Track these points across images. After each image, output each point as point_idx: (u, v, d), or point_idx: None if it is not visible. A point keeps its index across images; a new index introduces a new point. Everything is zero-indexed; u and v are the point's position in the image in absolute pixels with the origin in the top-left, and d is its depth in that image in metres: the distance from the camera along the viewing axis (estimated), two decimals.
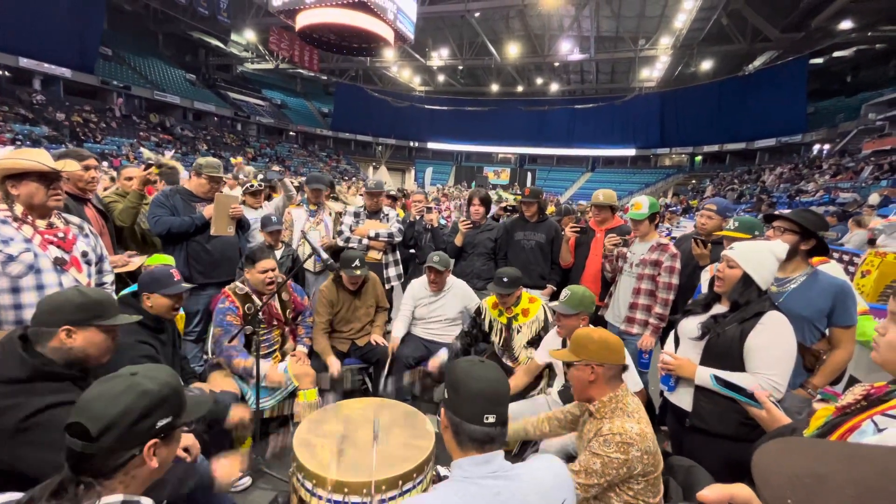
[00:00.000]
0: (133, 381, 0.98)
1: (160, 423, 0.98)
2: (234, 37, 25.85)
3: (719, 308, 1.81)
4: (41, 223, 1.84)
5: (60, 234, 1.89)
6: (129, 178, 3.05)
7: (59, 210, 1.93)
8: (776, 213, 2.15)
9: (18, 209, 1.79)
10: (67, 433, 0.91)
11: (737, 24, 19.45)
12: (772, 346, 1.62)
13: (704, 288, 2.42)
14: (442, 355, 2.75)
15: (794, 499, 0.43)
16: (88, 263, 1.98)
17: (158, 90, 23.92)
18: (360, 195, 5.84)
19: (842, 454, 0.47)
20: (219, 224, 2.95)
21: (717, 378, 1.54)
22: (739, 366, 1.67)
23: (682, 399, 1.84)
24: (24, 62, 17.79)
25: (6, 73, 18.48)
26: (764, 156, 24.83)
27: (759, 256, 1.71)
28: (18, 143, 14.86)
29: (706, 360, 1.75)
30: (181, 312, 2.63)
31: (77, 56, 19.22)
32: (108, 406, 0.92)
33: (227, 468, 1.58)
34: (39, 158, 1.76)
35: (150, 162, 3.22)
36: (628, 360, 2.14)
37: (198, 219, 2.90)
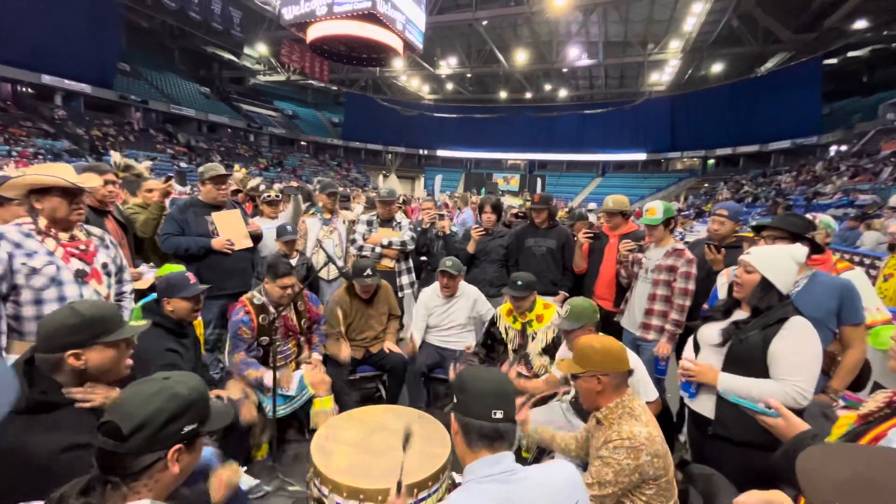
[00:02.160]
0: (165, 384, 1.02)
1: (186, 429, 1.01)
2: (246, 50, 26.42)
3: (740, 314, 1.78)
4: (63, 236, 1.88)
5: (82, 247, 1.93)
6: (150, 191, 3.13)
7: (80, 223, 1.98)
8: (762, 223, 2.16)
9: (42, 222, 1.83)
10: (100, 432, 0.94)
11: (748, 26, 19.28)
12: (796, 352, 1.59)
13: (721, 293, 2.38)
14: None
15: (842, 502, 0.44)
16: (108, 275, 2.02)
17: (174, 104, 24.51)
18: (359, 203, 5.77)
19: (889, 460, 0.48)
20: (236, 241, 3.03)
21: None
22: (763, 372, 1.64)
23: (704, 406, 1.80)
24: (47, 79, 18.39)
25: (29, 89, 19.12)
26: (779, 158, 24.44)
27: (778, 261, 1.69)
28: (40, 156, 15.34)
29: (728, 367, 1.72)
30: (199, 319, 2.67)
31: (97, 72, 19.84)
32: (140, 406, 0.96)
33: (226, 479, 1.45)
34: (63, 174, 1.81)
35: (118, 165, 3.24)
36: (642, 368, 2.12)
37: (205, 245, 2.93)
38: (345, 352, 2.88)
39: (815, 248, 2.03)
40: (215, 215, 3.03)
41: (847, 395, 2.01)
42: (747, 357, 1.67)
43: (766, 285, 1.67)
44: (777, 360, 1.61)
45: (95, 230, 2.07)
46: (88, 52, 18.95)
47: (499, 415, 1.12)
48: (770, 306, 1.66)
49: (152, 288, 2.68)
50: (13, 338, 1.81)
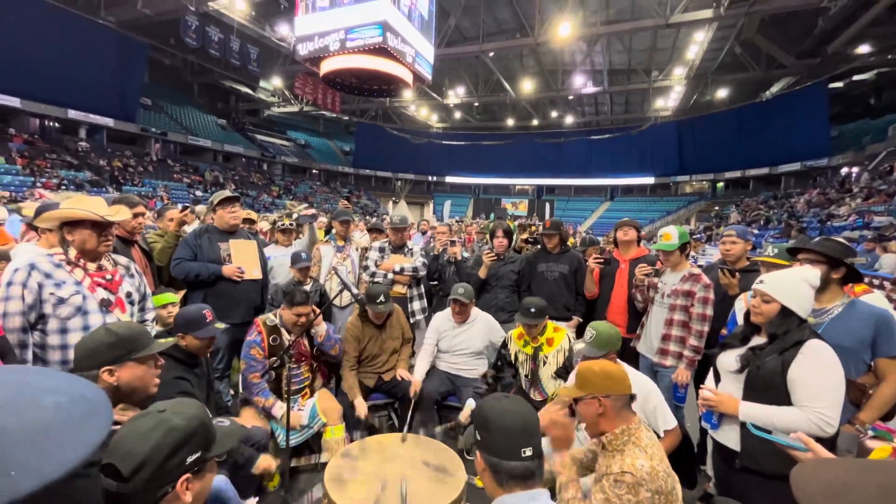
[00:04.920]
0: (161, 417, 0.99)
1: (190, 459, 0.99)
2: (262, 83, 27.47)
3: (758, 340, 1.75)
4: (91, 266, 1.95)
5: (108, 276, 1.99)
6: (171, 220, 3.21)
7: (108, 253, 2.05)
8: (801, 245, 2.12)
9: (72, 253, 1.90)
10: (102, 474, 0.92)
11: (750, 53, 19.60)
12: (816, 377, 1.55)
13: (739, 318, 2.35)
14: (471, 404, 2.71)
15: (826, 502, 0.51)
16: (132, 303, 2.07)
17: (192, 135, 25.39)
18: (360, 230, 5.82)
19: (867, 467, 0.57)
20: (247, 269, 3.07)
21: (754, 425, 1.48)
22: (785, 399, 1.60)
23: (728, 437, 1.75)
24: (73, 114, 19.27)
25: (56, 123, 20.00)
26: (789, 180, 24.35)
27: (794, 286, 1.67)
28: (63, 187, 15.87)
29: (748, 395, 1.68)
30: None
31: (120, 107, 20.77)
32: (137, 444, 0.93)
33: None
34: (94, 208, 1.88)
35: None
36: (659, 395, 2.08)
37: (216, 271, 2.95)
38: (360, 408, 2.82)
39: (854, 275, 1.94)
40: (233, 242, 3.07)
41: (876, 424, 1.94)
42: (767, 384, 1.63)
43: (785, 312, 1.65)
44: (797, 387, 1.57)
45: (121, 259, 2.13)
46: (114, 89, 19.89)
47: (528, 452, 1.09)
48: (788, 331, 1.63)
49: None
50: (38, 366, 1.85)
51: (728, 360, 1.78)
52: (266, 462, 2.07)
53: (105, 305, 1.94)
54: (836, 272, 1.90)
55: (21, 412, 0.47)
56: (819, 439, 1.41)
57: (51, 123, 19.91)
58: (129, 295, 2.03)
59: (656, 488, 1.35)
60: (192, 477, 0.99)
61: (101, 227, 1.90)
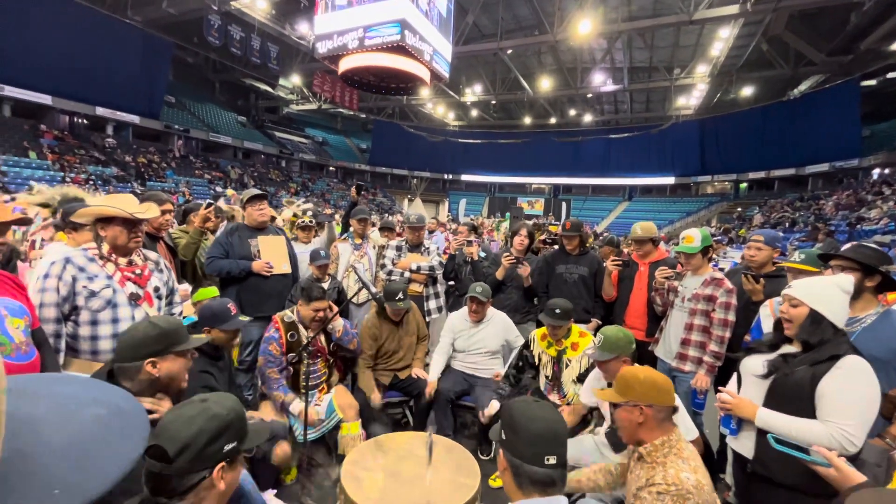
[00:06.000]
0: (204, 406, 1.06)
1: (227, 447, 1.05)
2: (281, 81, 27.84)
3: (789, 348, 1.68)
4: (122, 261, 2.02)
5: (137, 271, 2.06)
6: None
7: (138, 249, 2.12)
8: (831, 252, 2.05)
9: (105, 248, 1.98)
10: (147, 455, 0.98)
11: (778, 50, 19.02)
12: (848, 393, 1.48)
13: (764, 325, 2.30)
14: (494, 405, 2.72)
15: None
16: (159, 298, 2.14)
17: (213, 132, 25.92)
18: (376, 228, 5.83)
19: None
20: (276, 264, 3.15)
21: (776, 439, 1.44)
22: (809, 411, 1.54)
23: (747, 446, 1.70)
24: (101, 111, 19.87)
25: (85, 120, 20.66)
26: (817, 182, 23.56)
27: (825, 291, 1.59)
28: (91, 182, 16.40)
29: (770, 402, 1.63)
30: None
31: (146, 105, 21.36)
32: (183, 428, 1.00)
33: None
34: (126, 205, 1.96)
35: (37, 192, 3.16)
36: (679, 403, 2.04)
37: (245, 267, 3.05)
38: (376, 398, 2.89)
39: (889, 283, 1.86)
40: (261, 239, 3.17)
41: None
42: (793, 394, 1.57)
43: (815, 318, 1.57)
44: (825, 401, 1.51)
45: (151, 254, 2.21)
46: (139, 87, 20.46)
47: (552, 460, 1.09)
48: (823, 340, 1.55)
49: None
50: (69, 355, 1.93)
51: (754, 363, 1.73)
52: (282, 448, 2.11)
53: (134, 299, 2.01)
54: (870, 280, 1.84)
55: (63, 427, 0.46)
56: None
57: (80, 120, 20.58)
58: (156, 290, 2.10)
59: (703, 502, 1.32)
60: (227, 466, 1.05)
61: (131, 224, 1.97)
